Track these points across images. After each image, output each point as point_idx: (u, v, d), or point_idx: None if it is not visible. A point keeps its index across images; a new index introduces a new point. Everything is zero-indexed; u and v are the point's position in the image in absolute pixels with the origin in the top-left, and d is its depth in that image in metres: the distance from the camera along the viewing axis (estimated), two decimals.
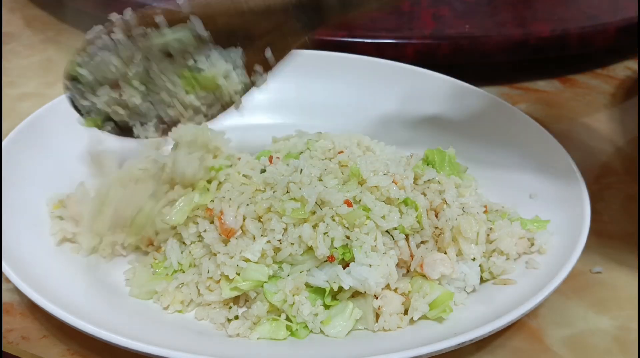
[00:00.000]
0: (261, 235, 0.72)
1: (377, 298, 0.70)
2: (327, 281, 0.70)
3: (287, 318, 0.69)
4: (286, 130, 0.96)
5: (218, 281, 0.72)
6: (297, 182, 0.73)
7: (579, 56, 1.24)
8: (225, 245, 0.72)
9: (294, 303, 0.69)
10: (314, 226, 0.71)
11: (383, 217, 0.72)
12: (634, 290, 0.78)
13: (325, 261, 0.71)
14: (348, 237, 0.71)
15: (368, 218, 0.71)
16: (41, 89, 1.14)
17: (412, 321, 0.70)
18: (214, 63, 0.72)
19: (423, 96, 1.00)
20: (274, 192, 0.74)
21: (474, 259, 0.74)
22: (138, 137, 0.76)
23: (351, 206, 0.71)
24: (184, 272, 0.74)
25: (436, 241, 0.75)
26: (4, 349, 0.68)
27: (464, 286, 0.73)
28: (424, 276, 0.72)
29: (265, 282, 0.70)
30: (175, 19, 0.71)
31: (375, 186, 0.74)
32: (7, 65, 1.21)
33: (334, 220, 0.71)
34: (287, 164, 0.79)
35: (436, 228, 0.75)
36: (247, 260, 0.70)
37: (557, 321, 0.74)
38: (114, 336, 0.61)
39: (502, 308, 0.67)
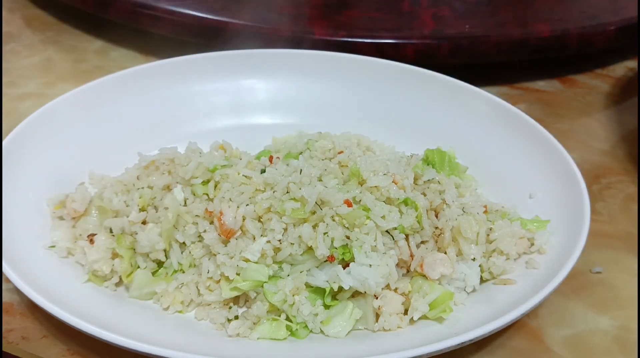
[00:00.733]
0: (261, 235, 0.72)
1: (377, 298, 0.70)
2: (327, 281, 0.70)
3: (287, 318, 0.69)
4: (286, 130, 0.96)
5: (218, 282, 0.72)
6: (297, 182, 0.73)
7: (579, 56, 1.24)
8: (225, 246, 0.72)
9: (294, 303, 0.69)
10: (314, 226, 0.71)
11: (383, 217, 0.72)
12: (634, 290, 0.78)
13: (325, 261, 0.71)
14: (348, 237, 0.71)
15: (368, 218, 0.71)
16: (41, 89, 1.14)
17: (412, 321, 0.70)
18: None
19: (423, 96, 1.00)
20: (274, 192, 0.74)
21: (474, 259, 0.74)
22: None
23: (351, 206, 0.71)
24: (184, 272, 0.74)
25: (436, 241, 0.75)
26: (4, 349, 0.68)
27: (464, 286, 0.73)
28: (424, 276, 0.72)
29: (265, 282, 0.70)
30: None
31: (375, 186, 0.74)
32: (7, 65, 1.21)
33: (334, 220, 0.71)
34: (287, 164, 0.79)
35: (436, 228, 0.75)
36: (247, 260, 0.70)
37: (557, 321, 0.74)
38: (114, 336, 0.61)
39: (502, 308, 0.67)
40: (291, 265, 0.72)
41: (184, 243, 0.75)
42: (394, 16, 1.20)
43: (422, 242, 0.75)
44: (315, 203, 0.71)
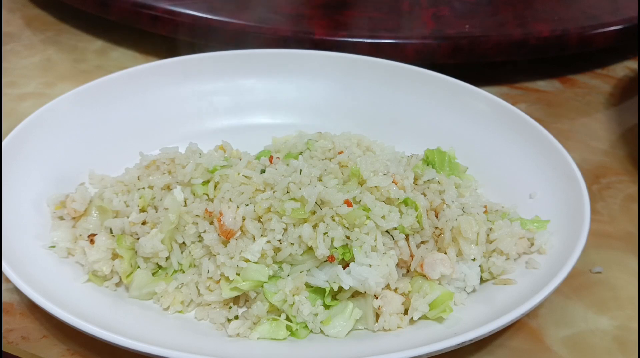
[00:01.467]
0: (261, 235, 0.72)
1: (377, 298, 0.70)
2: (327, 281, 0.70)
3: (287, 318, 0.69)
4: (286, 130, 0.96)
5: (218, 282, 0.72)
6: (297, 182, 0.73)
7: (579, 55, 1.24)
8: (225, 246, 0.72)
9: (294, 303, 0.69)
10: (314, 226, 0.71)
11: (383, 217, 0.72)
12: (634, 290, 0.78)
13: (325, 261, 0.71)
14: (348, 237, 0.71)
15: (368, 218, 0.71)
16: (41, 89, 1.14)
17: (412, 321, 0.70)
18: None
19: (423, 96, 1.00)
20: (274, 192, 0.74)
21: (474, 259, 0.74)
22: None
23: (351, 206, 0.71)
24: (184, 272, 0.74)
25: (436, 242, 0.75)
26: (4, 349, 0.68)
27: (464, 286, 0.73)
28: (424, 276, 0.72)
29: (265, 282, 0.70)
30: None
31: (375, 186, 0.74)
32: (7, 65, 1.21)
33: (334, 220, 0.71)
34: (287, 164, 0.79)
35: (436, 228, 0.75)
36: (247, 260, 0.70)
37: (557, 321, 0.74)
38: (114, 336, 0.61)
39: (502, 308, 0.67)
40: (291, 265, 0.72)
41: (183, 243, 0.75)
42: (394, 16, 1.20)
43: (422, 242, 0.75)
44: (315, 203, 0.71)
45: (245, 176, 0.76)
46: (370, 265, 0.70)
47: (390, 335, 0.69)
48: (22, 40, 1.31)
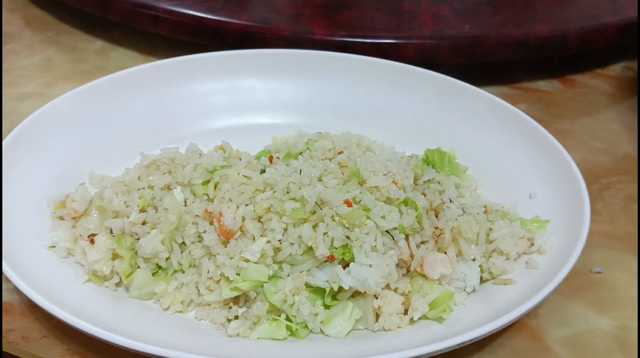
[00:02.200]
0: (261, 235, 0.72)
1: (377, 298, 0.70)
2: (327, 281, 0.70)
3: (287, 318, 0.69)
4: (286, 130, 0.96)
5: (218, 282, 0.72)
6: (297, 182, 0.73)
7: (579, 55, 1.24)
8: (225, 246, 0.72)
9: (294, 303, 0.69)
10: (314, 226, 0.71)
11: (383, 217, 0.72)
12: (634, 290, 0.78)
13: (325, 261, 0.71)
14: (348, 237, 0.71)
15: (368, 218, 0.71)
16: (41, 89, 1.14)
17: (412, 321, 0.70)
18: None
19: (423, 96, 1.00)
20: (274, 192, 0.74)
21: (474, 259, 0.74)
22: None
23: (351, 206, 0.71)
24: (183, 272, 0.74)
25: (436, 242, 0.75)
26: (4, 349, 0.68)
27: (464, 286, 0.73)
28: (424, 276, 0.72)
29: (265, 282, 0.70)
30: None
31: (375, 187, 0.74)
32: (7, 65, 1.21)
33: (334, 220, 0.71)
34: (287, 164, 0.79)
35: (436, 228, 0.75)
36: (247, 260, 0.70)
37: (557, 321, 0.74)
38: (114, 336, 0.61)
39: (502, 308, 0.67)
40: (291, 265, 0.72)
41: (183, 243, 0.75)
42: (394, 16, 1.20)
43: (422, 242, 0.75)
44: (315, 203, 0.71)
45: (245, 176, 0.76)
46: (370, 265, 0.70)
47: (390, 335, 0.69)
48: (22, 40, 1.31)
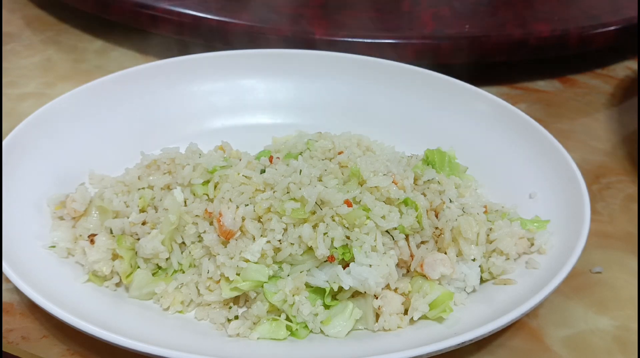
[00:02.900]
0: (261, 235, 0.72)
1: (377, 298, 0.70)
2: (327, 281, 0.70)
3: (287, 318, 0.69)
4: (286, 130, 0.96)
5: (218, 282, 0.72)
6: (297, 182, 0.73)
7: (579, 55, 1.24)
8: (225, 246, 0.72)
9: (294, 303, 0.69)
10: (314, 226, 0.71)
11: (383, 217, 0.72)
12: (634, 290, 0.78)
13: (325, 261, 0.71)
14: (348, 237, 0.71)
15: (368, 218, 0.71)
16: (41, 89, 1.14)
17: (412, 321, 0.70)
18: None
19: (423, 96, 1.00)
20: (274, 192, 0.74)
21: (474, 259, 0.74)
22: None
23: (351, 206, 0.71)
24: (183, 272, 0.74)
25: (436, 242, 0.75)
26: (4, 349, 0.68)
27: (464, 286, 0.73)
28: (424, 276, 0.72)
29: (265, 282, 0.70)
30: None
31: (375, 187, 0.74)
32: (7, 65, 1.21)
33: (334, 220, 0.71)
34: (287, 165, 0.78)
35: (436, 228, 0.75)
36: (247, 261, 0.70)
37: (557, 321, 0.74)
38: (114, 336, 0.61)
39: (502, 308, 0.67)
40: (291, 265, 0.72)
41: (183, 243, 0.75)
42: (394, 16, 1.20)
43: (422, 242, 0.75)
44: (315, 203, 0.71)
45: (245, 176, 0.76)
46: (370, 265, 0.70)
47: (390, 335, 0.69)
48: (22, 40, 1.31)
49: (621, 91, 1.20)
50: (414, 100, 1.01)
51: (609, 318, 0.75)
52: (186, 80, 1.01)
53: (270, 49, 1.05)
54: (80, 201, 0.78)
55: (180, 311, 0.72)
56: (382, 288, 0.71)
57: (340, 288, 0.70)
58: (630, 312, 0.76)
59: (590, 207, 0.76)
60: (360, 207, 0.72)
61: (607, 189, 0.95)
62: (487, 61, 1.16)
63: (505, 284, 0.73)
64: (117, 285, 0.74)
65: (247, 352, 0.67)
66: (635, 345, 0.72)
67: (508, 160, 0.90)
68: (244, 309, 0.72)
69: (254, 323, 0.70)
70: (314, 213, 0.71)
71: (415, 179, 0.78)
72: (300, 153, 0.85)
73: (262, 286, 0.71)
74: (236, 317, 0.71)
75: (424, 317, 0.70)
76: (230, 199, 0.74)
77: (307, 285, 0.71)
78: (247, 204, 0.73)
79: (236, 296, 0.72)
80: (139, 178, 0.80)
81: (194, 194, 0.77)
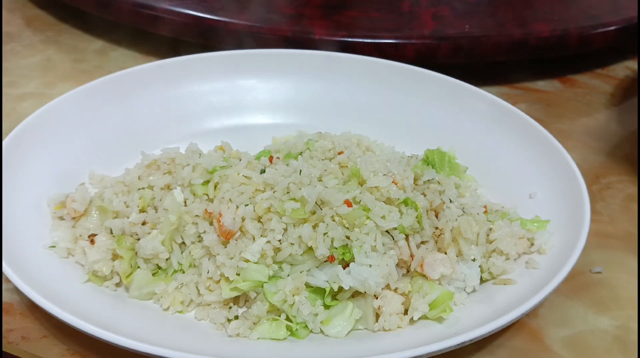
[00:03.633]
0: (261, 235, 0.72)
1: (377, 298, 0.70)
2: (327, 281, 0.70)
3: (287, 318, 0.69)
4: (286, 130, 0.96)
5: (218, 282, 0.72)
6: (297, 182, 0.73)
7: (579, 55, 1.24)
8: (225, 246, 0.72)
9: (294, 303, 0.69)
10: (314, 226, 0.71)
11: (383, 217, 0.72)
12: (634, 290, 0.78)
13: (325, 261, 0.71)
14: (348, 237, 0.71)
15: (368, 218, 0.71)
16: (41, 89, 1.14)
17: (412, 321, 0.70)
18: None
19: (423, 96, 1.00)
20: (274, 192, 0.74)
21: (474, 259, 0.74)
22: None
23: (351, 206, 0.71)
24: (183, 272, 0.74)
25: (436, 242, 0.75)
26: (4, 349, 0.68)
27: (464, 286, 0.73)
28: (424, 276, 0.72)
29: (265, 282, 0.70)
30: None
31: (375, 187, 0.74)
32: (7, 65, 1.21)
33: (334, 220, 0.71)
34: (287, 165, 0.78)
35: (436, 228, 0.75)
36: (247, 261, 0.70)
37: (557, 321, 0.74)
38: (114, 336, 0.61)
39: (502, 308, 0.67)
40: (291, 265, 0.72)
41: (183, 243, 0.75)
42: (394, 16, 1.20)
43: (422, 242, 0.75)
44: (315, 203, 0.71)
45: (245, 176, 0.76)
46: (370, 265, 0.70)
47: (390, 335, 0.69)
48: (22, 40, 1.31)
49: (621, 91, 1.20)
50: (414, 100, 1.01)
51: (609, 318, 0.75)
52: (186, 80, 1.01)
53: (270, 49, 1.05)
54: (80, 201, 0.78)
55: (180, 312, 0.72)
56: (382, 288, 0.71)
57: (340, 288, 0.70)
58: (630, 312, 0.76)
59: (590, 207, 0.76)
60: (360, 207, 0.72)
61: (607, 189, 0.95)
62: (487, 61, 1.16)
63: (505, 284, 0.73)
64: (117, 285, 0.74)
65: (247, 352, 0.67)
66: (635, 345, 0.72)
67: (508, 160, 0.90)
68: (244, 309, 0.72)
69: (254, 323, 0.70)
70: (314, 213, 0.71)
71: (415, 179, 0.78)
72: (300, 153, 0.85)
73: (262, 286, 0.71)
74: (236, 317, 0.71)
75: (424, 317, 0.70)
76: (230, 200, 0.73)
77: (307, 285, 0.71)
78: (247, 205, 0.73)
79: (236, 296, 0.72)
80: (139, 178, 0.80)
81: (194, 195, 0.77)
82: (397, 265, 0.73)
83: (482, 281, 0.75)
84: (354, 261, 0.70)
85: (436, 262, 0.72)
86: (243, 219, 0.72)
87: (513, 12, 1.22)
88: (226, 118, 1.01)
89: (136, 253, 0.74)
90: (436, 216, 0.76)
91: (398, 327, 0.69)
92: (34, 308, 0.72)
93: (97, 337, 0.61)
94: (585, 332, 0.73)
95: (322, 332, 0.69)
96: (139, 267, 0.74)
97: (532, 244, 0.77)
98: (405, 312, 0.71)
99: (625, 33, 1.19)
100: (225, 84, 1.03)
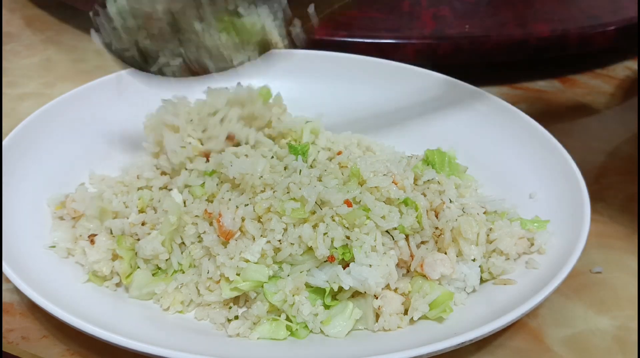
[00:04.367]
0: (261, 235, 0.72)
1: (377, 298, 0.70)
2: (327, 281, 0.70)
3: (287, 318, 0.69)
4: None
5: (218, 282, 0.72)
6: (297, 182, 0.73)
7: (579, 55, 1.24)
8: (225, 247, 0.72)
9: (294, 303, 0.69)
10: (314, 226, 0.71)
11: (383, 217, 0.72)
12: (634, 290, 0.78)
13: (325, 261, 0.71)
14: (348, 237, 0.71)
15: (368, 218, 0.71)
16: (41, 89, 1.14)
17: (412, 321, 0.70)
18: (255, 11, 0.70)
19: (423, 96, 1.00)
20: (274, 192, 0.74)
21: (474, 259, 0.74)
22: (159, 74, 0.72)
23: (351, 206, 0.71)
24: (183, 273, 0.74)
25: (436, 242, 0.75)
26: (4, 349, 0.68)
27: (464, 286, 0.73)
28: (424, 276, 0.72)
29: (265, 282, 0.70)
30: None
31: (375, 187, 0.74)
32: (7, 65, 1.21)
33: (334, 220, 0.71)
34: (286, 167, 0.78)
35: (436, 228, 0.75)
36: (247, 261, 0.70)
37: (557, 321, 0.74)
38: (114, 336, 0.61)
39: (502, 308, 0.67)
40: (291, 265, 0.72)
41: (183, 243, 0.75)
42: (394, 16, 1.20)
43: (422, 242, 0.75)
44: (315, 203, 0.71)
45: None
46: (370, 265, 0.70)
47: (390, 335, 0.69)
48: (22, 40, 1.31)
49: (621, 91, 1.20)
50: (414, 100, 1.01)
51: (609, 318, 0.75)
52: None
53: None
54: (80, 201, 0.78)
55: (180, 312, 0.72)
56: (382, 288, 0.71)
57: (340, 288, 0.70)
58: (630, 312, 0.75)
59: (590, 207, 0.76)
60: (360, 207, 0.72)
61: (607, 189, 0.95)
62: (487, 61, 1.16)
63: (505, 284, 0.73)
64: (117, 285, 0.74)
65: (247, 352, 0.67)
66: (635, 345, 0.72)
67: (508, 160, 0.90)
68: (244, 309, 0.72)
69: (254, 323, 0.70)
70: (314, 213, 0.71)
71: (415, 180, 0.78)
72: (305, 146, 0.84)
73: (262, 286, 0.71)
74: (236, 317, 0.71)
75: (424, 317, 0.70)
76: (230, 200, 0.73)
77: (307, 285, 0.71)
78: (247, 205, 0.73)
79: (236, 297, 0.72)
80: (137, 177, 0.80)
81: (193, 195, 0.77)
82: (397, 265, 0.73)
83: (482, 281, 0.75)
84: (354, 261, 0.70)
85: (436, 262, 0.72)
86: (243, 220, 0.72)
87: (513, 12, 1.22)
88: None
89: (136, 253, 0.74)
90: (436, 216, 0.76)
91: (398, 327, 0.69)
92: (34, 308, 0.72)
93: (97, 337, 0.61)
94: (585, 332, 0.73)
95: (322, 332, 0.69)
96: (138, 267, 0.74)
97: (532, 244, 0.77)
98: (405, 312, 0.71)
99: (625, 33, 1.19)
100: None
